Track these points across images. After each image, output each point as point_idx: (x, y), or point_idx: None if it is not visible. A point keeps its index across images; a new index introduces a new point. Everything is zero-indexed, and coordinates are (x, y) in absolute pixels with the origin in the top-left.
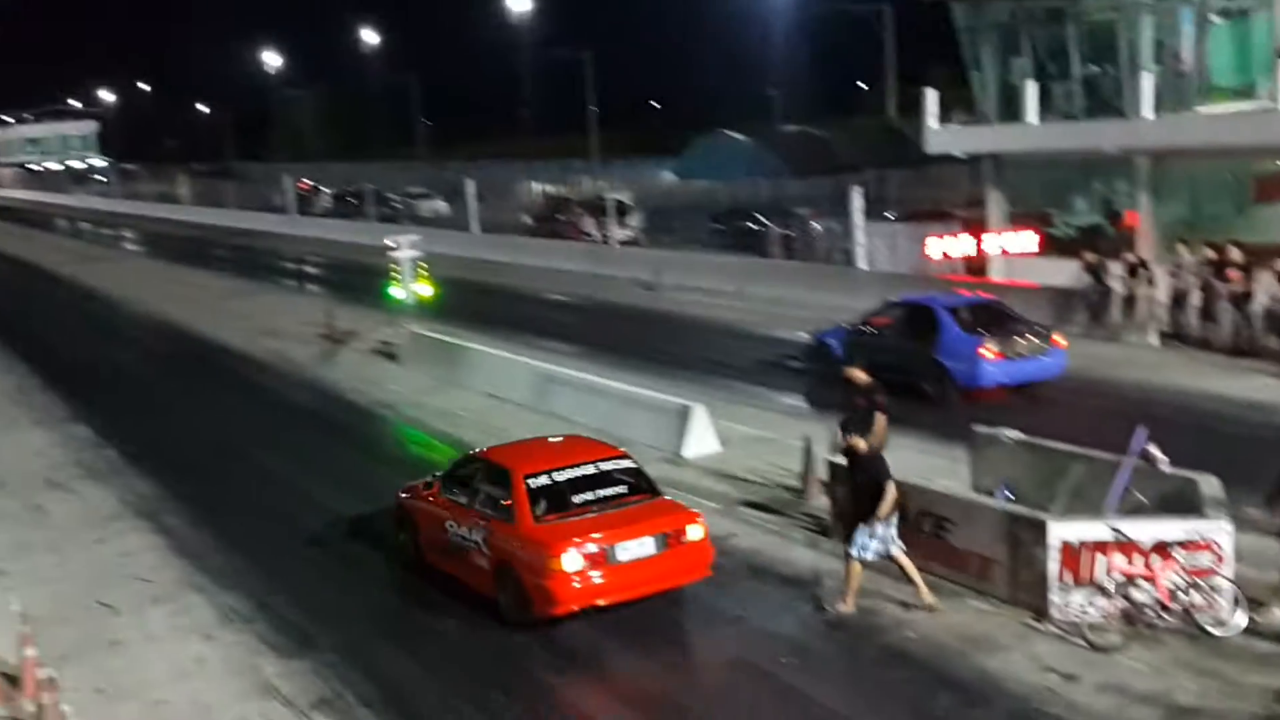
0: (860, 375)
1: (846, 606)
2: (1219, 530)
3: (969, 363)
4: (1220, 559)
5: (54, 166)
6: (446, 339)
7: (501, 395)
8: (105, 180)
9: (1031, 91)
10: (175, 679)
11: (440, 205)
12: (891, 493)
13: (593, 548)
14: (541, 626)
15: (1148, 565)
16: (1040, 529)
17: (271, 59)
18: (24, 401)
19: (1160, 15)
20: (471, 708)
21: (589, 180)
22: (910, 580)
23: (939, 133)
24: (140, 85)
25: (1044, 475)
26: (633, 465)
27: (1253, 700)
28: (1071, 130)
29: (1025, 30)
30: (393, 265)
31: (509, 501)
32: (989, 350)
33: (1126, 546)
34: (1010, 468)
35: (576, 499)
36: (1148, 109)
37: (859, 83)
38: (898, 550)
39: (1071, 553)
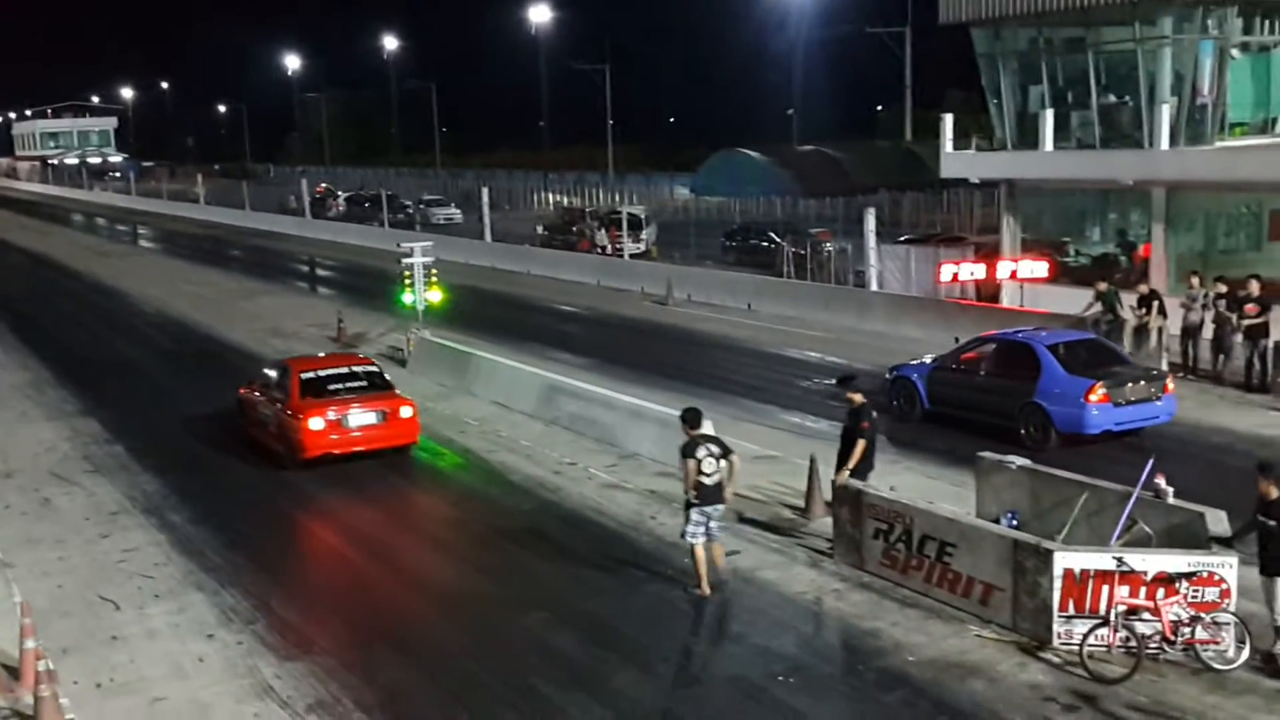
0: (857, 397)
1: (701, 590)
2: (1224, 565)
3: (1075, 407)
4: (1225, 594)
5: (72, 161)
6: (456, 346)
7: (509, 404)
8: (122, 176)
9: (1048, 119)
10: (174, 677)
11: (454, 212)
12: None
13: (332, 416)
14: (302, 468)
15: (1151, 597)
16: (1045, 557)
17: (291, 62)
18: (36, 396)
19: (1180, 48)
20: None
21: (604, 193)
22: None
23: (955, 157)
24: (160, 83)
25: (1049, 504)
26: (376, 370)
27: None
28: (1088, 159)
29: (1044, 58)
30: (404, 271)
31: (289, 388)
32: (1099, 394)
33: (1131, 578)
34: (1016, 495)
35: (331, 388)
36: (1165, 141)
37: (877, 106)
38: (717, 542)
39: (1075, 582)
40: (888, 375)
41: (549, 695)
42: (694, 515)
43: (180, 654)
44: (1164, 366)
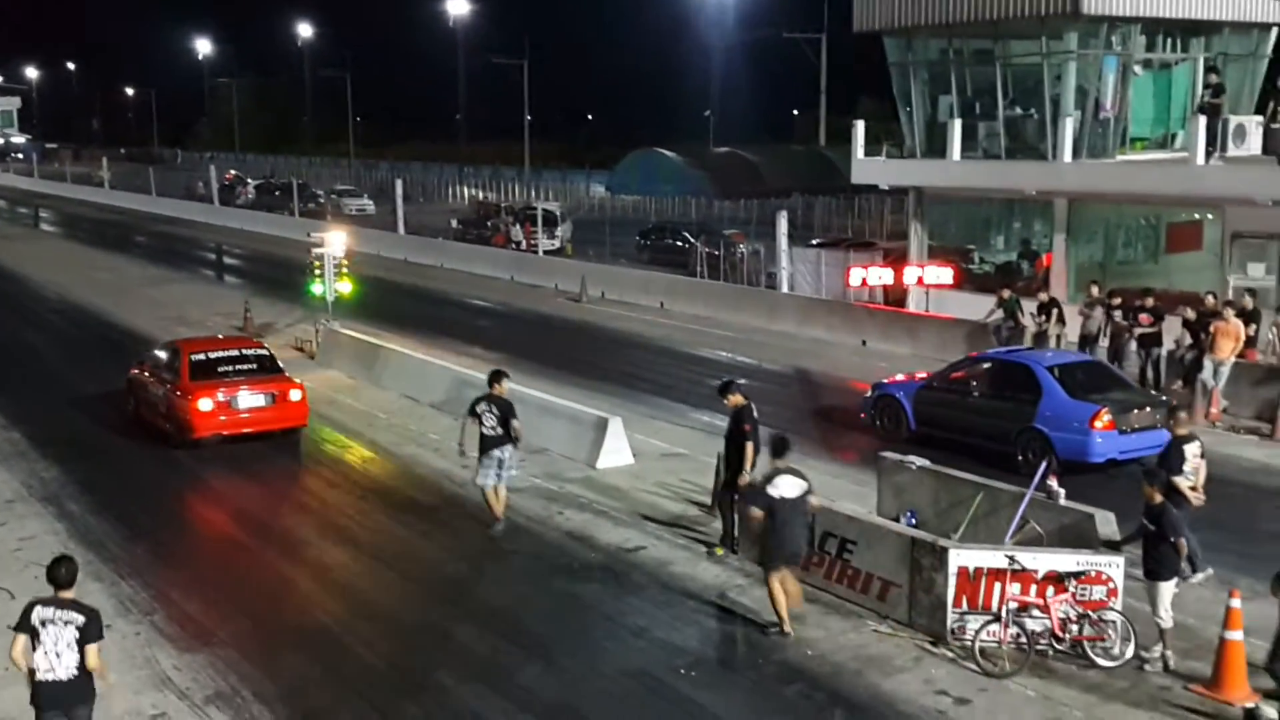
0: (738, 399)
1: (496, 520)
2: (1112, 564)
3: (1078, 434)
4: (1112, 592)
5: None
6: (365, 338)
7: (418, 398)
8: (25, 158)
9: (957, 129)
10: None
11: (367, 204)
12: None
13: (221, 397)
14: (191, 447)
15: (1042, 595)
16: (940, 555)
17: (203, 45)
18: None
19: (1085, 63)
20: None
21: (520, 188)
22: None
23: (865, 164)
24: (66, 63)
25: (947, 503)
26: (266, 353)
27: None
28: (993, 169)
29: (954, 69)
30: (315, 261)
31: (179, 369)
32: (1104, 421)
33: (1022, 576)
34: (916, 495)
35: (221, 370)
36: (1068, 153)
37: (793, 110)
38: (503, 485)
39: (969, 579)
40: (870, 392)
41: (451, 688)
42: (483, 460)
43: None
44: None
